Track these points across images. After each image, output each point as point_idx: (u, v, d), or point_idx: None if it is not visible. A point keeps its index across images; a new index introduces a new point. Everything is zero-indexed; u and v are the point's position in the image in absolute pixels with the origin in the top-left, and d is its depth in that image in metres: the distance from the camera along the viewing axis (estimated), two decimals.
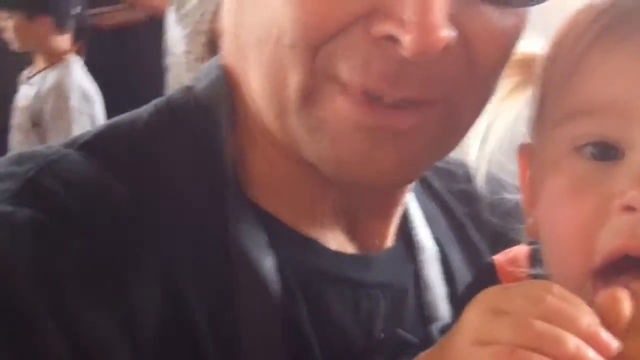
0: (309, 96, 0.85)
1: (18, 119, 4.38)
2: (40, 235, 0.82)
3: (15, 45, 4.38)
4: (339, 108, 0.84)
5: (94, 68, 4.48)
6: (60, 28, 4.35)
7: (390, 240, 1.02)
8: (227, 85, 0.96)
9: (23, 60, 4.53)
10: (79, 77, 4.34)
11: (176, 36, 3.56)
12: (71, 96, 4.22)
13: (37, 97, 4.28)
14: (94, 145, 0.93)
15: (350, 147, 0.85)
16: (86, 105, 4.25)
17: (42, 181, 0.87)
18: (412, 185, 1.01)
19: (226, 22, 0.96)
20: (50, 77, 4.30)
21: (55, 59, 4.35)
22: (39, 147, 0.94)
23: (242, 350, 0.86)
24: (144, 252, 0.85)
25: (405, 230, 1.03)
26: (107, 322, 0.81)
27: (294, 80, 0.85)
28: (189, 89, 0.99)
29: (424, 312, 1.00)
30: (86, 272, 0.82)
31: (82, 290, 0.81)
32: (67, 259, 0.82)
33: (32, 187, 0.86)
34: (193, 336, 0.85)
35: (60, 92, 4.23)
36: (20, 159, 0.91)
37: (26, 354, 0.79)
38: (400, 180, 0.93)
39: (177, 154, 0.93)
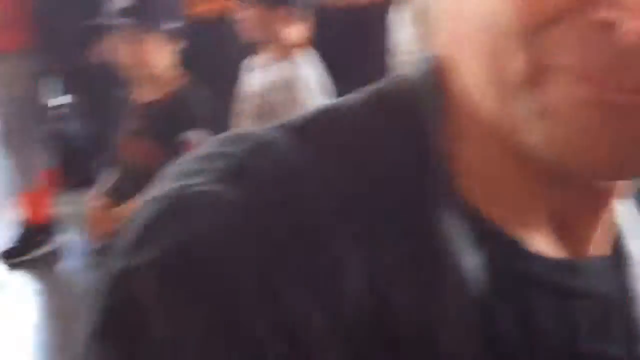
0: (532, 83, 0.82)
1: (245, 106, 4.51)
2: (249, 218, 0.83)
3: (251, 34, 4.51)
4: (568, 88, 0.81)
5: (319, 49, 4.54)
6: (298, 19, 4.45)
7: (597, 247, 0.96)
8: (439, 77, 0.94)
9: (246, 48, 4.66)
10: (313, 70, 4.42)
11: (407, 34, 3.58)
12: (304, 90, 4.30)
13: (268, 88, 4.38)
14: (304, 130, 0.92)
15: (584, 124, 0.81)
16: (318, 99, 4.32)
17: (252, 162, 0.87)
18: (624, 191, 0.96)
19: (439, 14, 0.94)
20: (283, 68, 4.39)
21: (287, 49, 4.44)
22: (251, 129, 0.95)
23: (437, 344, 0.84)
24: (349, 242, 0.84)
25: (614, 239, 0.97)
26: (316, 312, 0.80)
27: (513, 68, 0.82)
28: (400, 79, 0.98)
29: (631, 328, 0.94)
30: (293, 260, 0.82)
31: (290, 278, 0.81)
32: (275, 245, 0.82)
33: (242, 167, 0.87)
34: (392, 330, 0.83)
35: (293, 85, 4.32)
36: (233, 140, 0.91)
37: (241, 346, 0.79)
38: (625, 167, 0.87)
39: (385, 144, 0.91)
